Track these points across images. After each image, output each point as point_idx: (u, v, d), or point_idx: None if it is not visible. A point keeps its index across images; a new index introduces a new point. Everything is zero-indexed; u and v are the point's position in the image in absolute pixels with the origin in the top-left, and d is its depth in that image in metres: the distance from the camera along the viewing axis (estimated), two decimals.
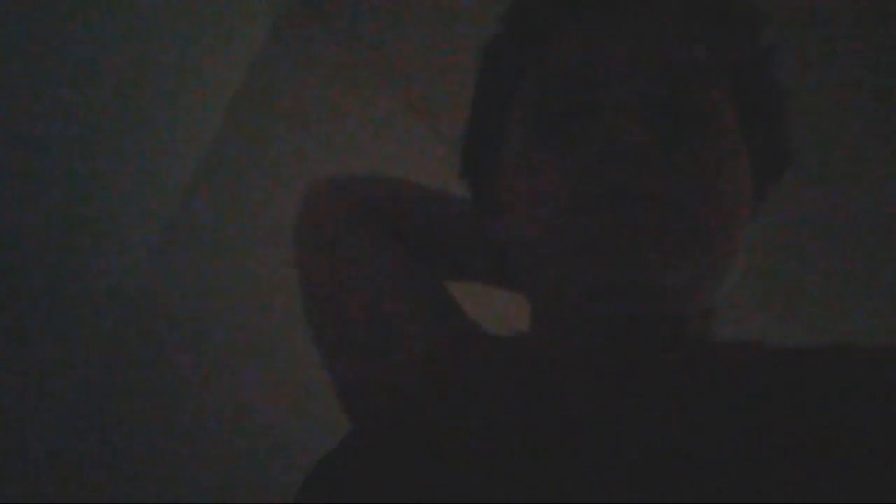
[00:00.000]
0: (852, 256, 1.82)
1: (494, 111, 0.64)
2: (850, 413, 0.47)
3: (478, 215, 0.71)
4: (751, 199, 0.60)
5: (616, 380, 0.52)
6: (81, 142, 1.41)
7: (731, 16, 0.60)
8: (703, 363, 0.53)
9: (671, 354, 0.55)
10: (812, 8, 1.42)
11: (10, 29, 1.29)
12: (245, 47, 1.51)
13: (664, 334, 0.55)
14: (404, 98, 1.70)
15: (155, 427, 1.53)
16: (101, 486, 1.47)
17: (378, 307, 0.66)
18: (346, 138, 1.64)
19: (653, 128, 0.54)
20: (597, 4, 0.59)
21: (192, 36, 1.46)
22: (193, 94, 1.50)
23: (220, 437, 1.59)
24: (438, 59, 1.60)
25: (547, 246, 0.55)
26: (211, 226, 1.57)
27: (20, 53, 1.31)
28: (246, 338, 1.61)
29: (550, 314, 0.60)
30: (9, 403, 1.40)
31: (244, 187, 1.59)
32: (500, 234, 0.62)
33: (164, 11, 1.43)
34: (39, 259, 1.39)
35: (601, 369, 0.53)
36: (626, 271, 0.52)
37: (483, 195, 0.68)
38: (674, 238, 0.52)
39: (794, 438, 0.45)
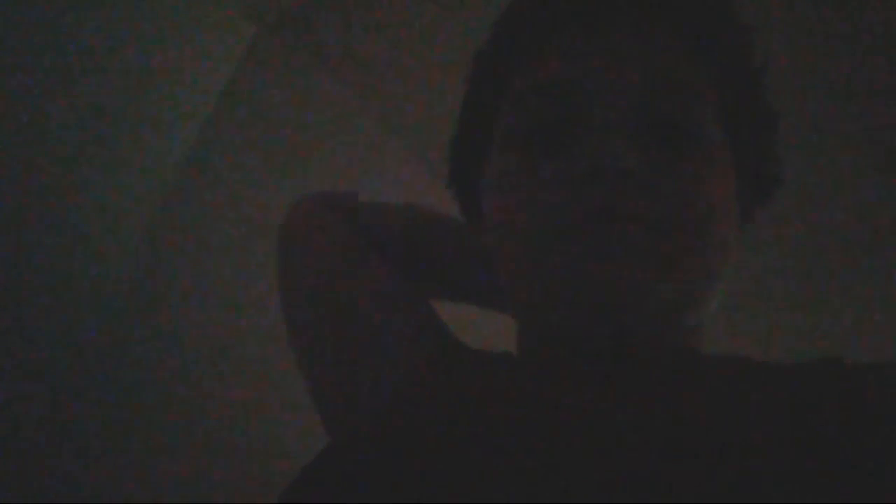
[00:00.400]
0: (841, 265, 1.82)
1: (481, 121, 0.64)
2: (836, 427, 0.47)
3: (467, 231, 0.71)
4: (737, 220, 0.60)
5: (602, 394, 0.52)
6: (66, 145, 1.41)
7: (722, 35, 0.60)
8: (688, 380, 0.53)
9: (656, 371, 0.55)
10: (800, 25, 1.42)
11: None
12: (226, 59, 1.52)
13: (649, 351, 0.55)
14: (383, 117, 1.71)
15: (144, 426, 1.54)
16: (96, 486, 1.47)
17: (361, 320, 0.66)
18: (324, 155, 1.65)
19: (639, 147, 0.54)
20: (586, 19, 0.58)
21: (177, 45, 1.47)
22: (176, 105, 1.51)
23: (208, 437, 1.60)
24: (418, 77, 1.61)
25: (532, 262, 0.55)
26: (195, 230, 1.58)
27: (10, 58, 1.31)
28: (233, 339, 1.62)
29: (536, 331, 0.60)
30: (4, 403, 1.40)
31: (225, 197, 1.60)
32: (486, 245, 0.62)
33: (150, 21, 1.43)
34: (26, 260, 1.39)
35: (587, 384, 0.53)
36: (610, 290, 0.52)
37: (469, 204, 0.67)
38: (658, 258, 0.52)
39: (780, 453, 0.45)
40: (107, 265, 1.49)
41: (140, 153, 1.50)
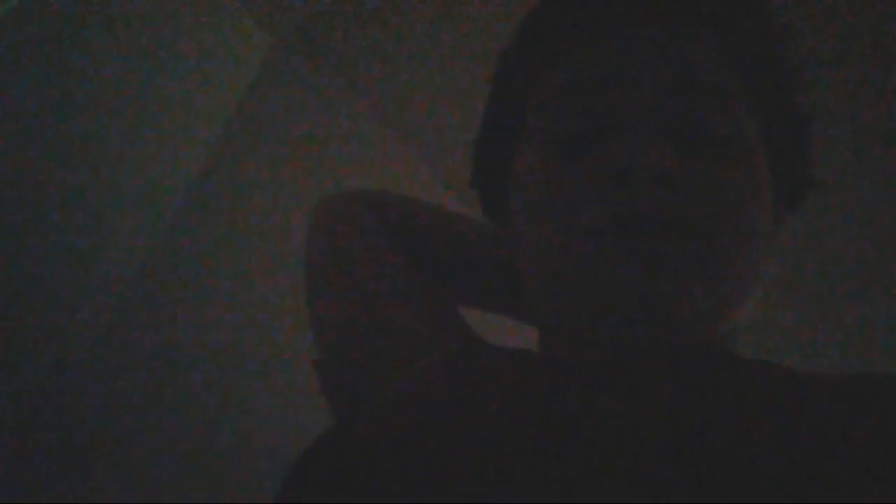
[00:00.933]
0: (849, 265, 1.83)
1: (508, 120, 0.63)
2: (870, 438, 0.46)
3: (493, 237, 0.70)
4: (771, 225, 0.59)
5: (625, 393, 0.51)
6: (84, 152, 1.41)
7: (758, 36, 0.59)
8: (724, 383, 0.53)
9: (690, 374, 0.54)
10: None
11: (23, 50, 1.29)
12: (242, 69, 1.53)
13: (683, 354, 0.55)
14: (399, 128, 1.71)
15: (152, 427, 1.53)
16: (96, 486, 1.46)
17: (384, 314, 0.65)
18: (338, 164, 1.65)
19: (675, 150, 0.53)
20: (618, 19, 0.57)
21: (194, 56, 1.47)
22: (193, 114, 1.51)
23: (217, 438, 1.59)
24: (433, 87, 1.61)
25: (561, 264, 0.54)
26: (208, 234, 1.58)
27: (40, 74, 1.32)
28: (242, 342, 1.61)
29: (560, 336, 0.59)
30: (5, 403, 1.39)
31: (238, 204, 1.60)
32: (512, 245, 0.61)
33: (170, 31, 1.44)
34: (39, 261, 1.38)
35: (610, 382, 0.53)
36: (643, 299, 0.51)
37: (494, 205, 0.67)
38: (692, 266, 0.51)
39: (812, 461, 0.44)
40: (118, 268, 1.49)
41: (158, 160, 1.50)
